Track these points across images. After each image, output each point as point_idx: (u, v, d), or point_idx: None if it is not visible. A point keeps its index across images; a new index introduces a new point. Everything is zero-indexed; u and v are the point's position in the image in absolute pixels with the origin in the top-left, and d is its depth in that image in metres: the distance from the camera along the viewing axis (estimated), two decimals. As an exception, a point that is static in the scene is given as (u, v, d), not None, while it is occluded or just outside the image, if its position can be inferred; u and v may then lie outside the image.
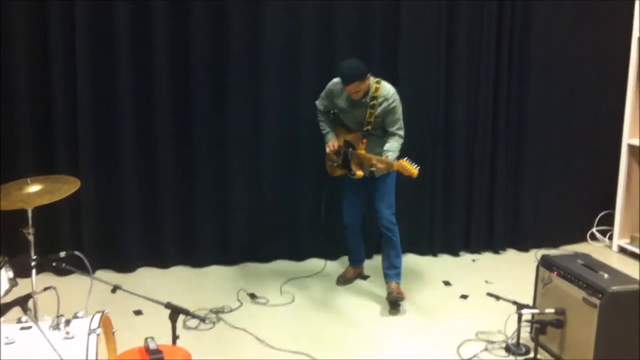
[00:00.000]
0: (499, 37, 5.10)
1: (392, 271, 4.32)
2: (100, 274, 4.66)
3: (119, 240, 4.78)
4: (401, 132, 4.14)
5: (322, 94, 4.33)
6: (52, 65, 4.48)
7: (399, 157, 3.94)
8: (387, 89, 4.11)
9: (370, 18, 4.87)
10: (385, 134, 4.17)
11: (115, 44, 4.54)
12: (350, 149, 4.23)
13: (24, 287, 3.11)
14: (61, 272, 3.09)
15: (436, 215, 5.20)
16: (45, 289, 2.66)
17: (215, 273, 4.91)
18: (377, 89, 4.09)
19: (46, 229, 3.36)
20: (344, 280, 4.66)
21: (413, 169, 3.77)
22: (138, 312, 4.07)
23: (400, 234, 4.31)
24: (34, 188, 3.19)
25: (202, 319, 3.65)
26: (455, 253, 5.31)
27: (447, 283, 4.73)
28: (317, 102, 4.38)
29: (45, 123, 4.55)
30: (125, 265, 4.78)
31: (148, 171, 4.79)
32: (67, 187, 3.23)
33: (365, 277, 4.74)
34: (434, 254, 5.29)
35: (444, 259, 5.27)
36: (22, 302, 2.64)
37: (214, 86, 4.76)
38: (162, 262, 4.93)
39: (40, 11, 4.42)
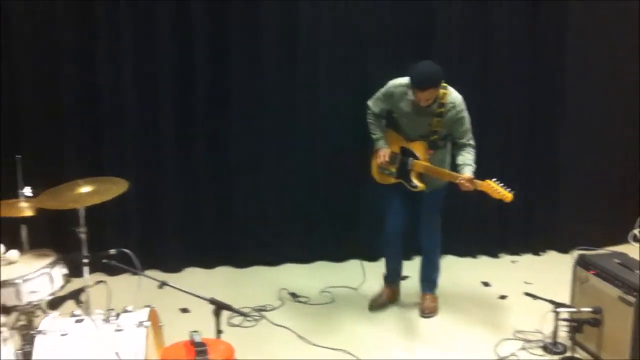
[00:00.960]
0: (534, 37, 5.10)
1: (428, 283, 4.32)
2: (147, 273, 4.82)
3: (165, 240, 4.95)
4: (473, 142, 3.90)
5: (379, 94, 4.05)
6: (98, 69, 4.68)
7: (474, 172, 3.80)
8: (454, 95, 3.83)
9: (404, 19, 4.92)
10: (445, 144, 3.98)
11: (158, 47, 4.72)
12: (411, 159, 3.97)
13: (76, 284, 3.28)
14: (111, 270, 3.23)
15: (475, 216, 5.23)
16: (98, 282, 2.82)
17: (257, 273, 5.04)
18: (444, 95, 3.79)
19: (96, 228, 3.52)
20: (377, 305, 4.30)
21: (506, 193, 3.58)
22: (184, 310, 4.21)
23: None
24: (85, 189, 3.35)
25: (245, 315, 3.77)
26: (494, 254, 5.33)
27: (485, 284, 4.76)
28: (369, 103, 4.11)
29: (92, 126, 4.75)
30: (171, 265, 4.95)
31: (191, 174, 4.96)
32: (115, 187, 3.38)
33: (403, 278, 4.78)
34: (473, 256, 5.32)
35: (483, 260, 5.29)
36: (76, 295, 2.80)
37: (252, 88, 4.87)
38: (207, 262, 5.08)
39: (87, 16, 4.60)
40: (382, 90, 4.02)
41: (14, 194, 3.39)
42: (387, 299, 4.34)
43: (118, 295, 3.35)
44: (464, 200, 5.09)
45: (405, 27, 4.91)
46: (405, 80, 3.86)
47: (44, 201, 3.30)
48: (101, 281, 2.89)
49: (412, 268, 4.71)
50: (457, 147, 3.91)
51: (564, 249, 5.38)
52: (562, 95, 5.22)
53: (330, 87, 4.91)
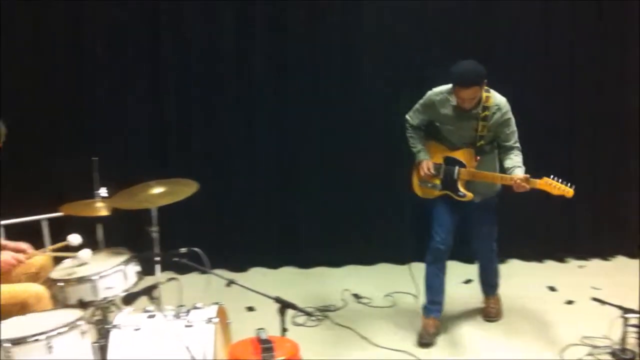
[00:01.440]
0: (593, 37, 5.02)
1: (489, 287, 4.26)
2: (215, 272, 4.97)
3: (231, 241, 5.08)
4: (519, 145, 3.78)
5: (417, 106, 3.94)
6: (161, 75, 4.91)
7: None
8: (498, 97, 3.73)
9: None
10: (492, 149, 3.86)
11: (222, 49, 4.89)
12: (457, 167, 3.85)
13: (148, 282, 3.41)
14: (181, 268, 3.35)
15: (540, 221, 5.16)
16: (170, 279, 2.94)
17: (321, 274, 5.12)
18: (487, 98, 3.69)
19: (167, 228, 3.65)
20: (428, 337, 3.92)
21: (566, 188, 3.48)
22: (250, 308, 4.32)
23: (504, 240, 4.21)
24: (158, 190, 3.49)
25: (309, 314, 3.83)
26: (561, 259, 5.24)
27: (552, 289, 4.69)
28: (408, 116, 4.00)
29: (161, 131, 4.97)
30: (237, 264, 5.07)
31: (258, 178, 5.11)
32: (186, 189, 3.50)
33: (467, 282, 4.76)
34: (539, 260, 5.24)
35: (549, 265, 5.22)
36: (149, 291, 2.92)
37: (316, 93, 4.99)
38: (271, 262, 5.20)
39: (151, 23, 4.82)
40: (421, 101, 3.91)
41: (91, 195, 3.56)
42: (434, 327, 4.00)
43: (187, 292, 3.46)
44: (529, 203, 5.07)
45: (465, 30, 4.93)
46: (445, 87, 3.78)
47: (118, 201, 3.45)
48: (173, 278, 3.01)
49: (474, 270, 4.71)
50: (504, 151, 3.79)
51: (632, 254, 5.24)
52: (630, 98, 5.10)
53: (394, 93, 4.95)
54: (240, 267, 5.10)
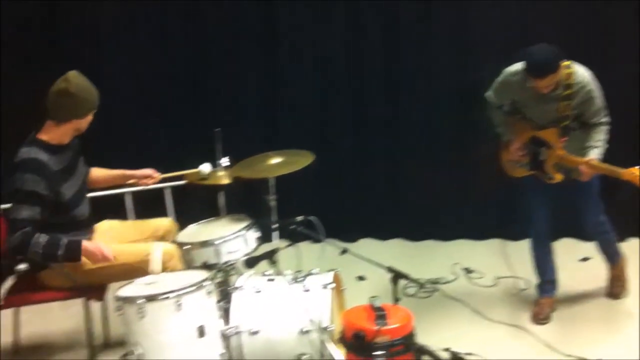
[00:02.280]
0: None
1: (609, 257, 4.00)
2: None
3: (342, 211, 5.17)
4: (606, 119, 3.51)
5: (497, 85, 3.73)
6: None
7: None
8: (580, 73, 3.44)
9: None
10: (582, 126, 3.57)
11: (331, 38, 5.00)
12: (544, 149, 3.64)
13: (266, 248, 3.55)
14: (296, 236, 3.46)
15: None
16: (288, 245, 3.05)
17: (430, 247, 5.11)
18: (569, 76, 3.40)
19: (283, 197, 3.79)
20: (543, 315, 3.84)
21: None
22: (361, 278, 4.39)
23: (622, 217, 4.02)
24: (275, 160, 3.63)
25: (421, 285, 3.86)
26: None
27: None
28: (488, 95, 3.80)
29: (275, 105, 5.17)
30: (347, 235, 5.15)
31: (368, 150, 5.18)
32: (302, 159, 3.61)
33: (584, 259, 4.60)
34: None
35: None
36: (270, 256, 3.06)
37: (425, 72, 4.98)
38: (381, 234, 5.26)
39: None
40: (499, 79, 3.70)
41: (213, 164, 3.74)
42: (550, 307, 3.90)
43: (301, 259, 3.58)
44: None
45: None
46: (521, 66, 3.50)
47: (238, 171, 3.61)
48: (292, 244, 3.12)
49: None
50: (588, 128, 3.52)
51: None
52: None
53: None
54: (350, 238, 5.17)
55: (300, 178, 4.01)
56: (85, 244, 3.15)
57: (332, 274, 3.26)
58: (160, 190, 4.74)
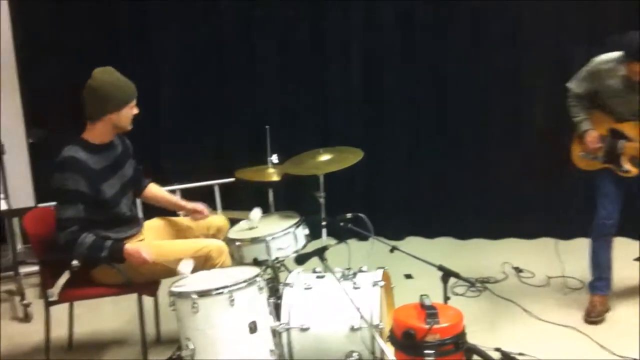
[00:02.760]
0: None
1: None
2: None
3: (389, 209, 5.15)
4: None
5: (583, 74, 3.71)
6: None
7: None
8: None
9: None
10: None
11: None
12: (622, 141, 3.63)
13: (315, 244, 3.55)
14: (345, 233, 3.46)
15: None
16: (338, 242, 3.04)
17: (478, 246, 5.06)
18: None
19: (331, 194, 3.79)
20: (595, 314, 3.77)
21: None
22: (408, 276, 4.37)
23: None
24: (325, 157, 3.62)
25: (472, 283, 3.80)
26: None
27: None
28: (571, 85, 3.77)
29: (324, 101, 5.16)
30: (394, 232, 5.13)
31: (415, 148, 5.16)
32: (352, 156, 3.61)
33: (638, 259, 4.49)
34: None
35: None
36: (320, 253, 3.05)
37: (477, 71, 4.95)
38: (428, 232, 5.23)
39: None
40: (586, 68, 3.68)
41: (263, 161, 3.76)
42: (603, 306, 3.84)
43: (350, 257, 3.58)
44: None
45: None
46: (613, 55, 3.54)
47: (288, 168, 3.62)
48: (342, 241, 3.11)
49: None
50: None
51: None
52: None
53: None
54: (397, 236, 5.16)
55: (347, 175, 4.04)
56: (127, 246, 3.18)
57: (381, 271, 3.24)
58: (209, 187, 4.82)
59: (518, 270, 4.49)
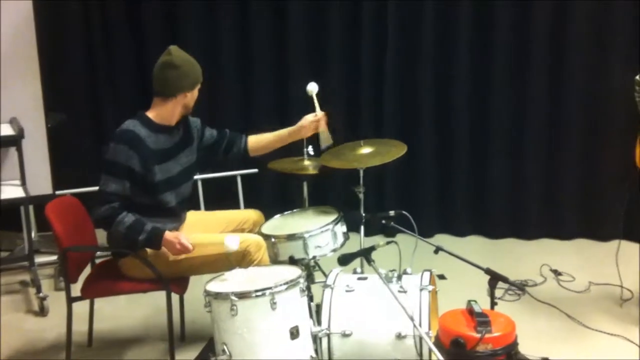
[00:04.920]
0: None
1: None
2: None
3: (419, 206, 4.94)
4: None
5: None
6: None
7: None
8: None
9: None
10: None
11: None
12: None
13: (353, 242, 3.38)
14: (387, 232, 3.28)
15: None
16: (388, 242, 2.84)
17: (511, 246, 4.86)
18: None
19: (375, 189, 3.59)
20: None
21: None
22: (441, 277, 4.13)
23: None
24: (366, 150, 3.41)
25: (522, 289, 3.61)
26: None
27: None
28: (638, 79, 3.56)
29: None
30: (423, 230, 4.93)
31: (449, 146, 4.96)
32: (395, 150, 3.40)
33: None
34: None
35: None
36: (366, 253, 2.84)
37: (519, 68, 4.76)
38: (458, 230, 5.03)
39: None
40: None
41: (300, 153, 3.55)
42: None
43: (389, 256, 3.38)
44: None
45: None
46: None
47: (327, 160, 3.41)
48: (392, 241, 2.90)
49: None
50: None
51: None
52: None
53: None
54: (426, 233, 4.93)
55: (376, 170, 3.87)
56: (167, 233, 3.01)
57: (428, 274, 3.04)
58: (231, 178, 4.64)
59: (557, 273, 4.28)
